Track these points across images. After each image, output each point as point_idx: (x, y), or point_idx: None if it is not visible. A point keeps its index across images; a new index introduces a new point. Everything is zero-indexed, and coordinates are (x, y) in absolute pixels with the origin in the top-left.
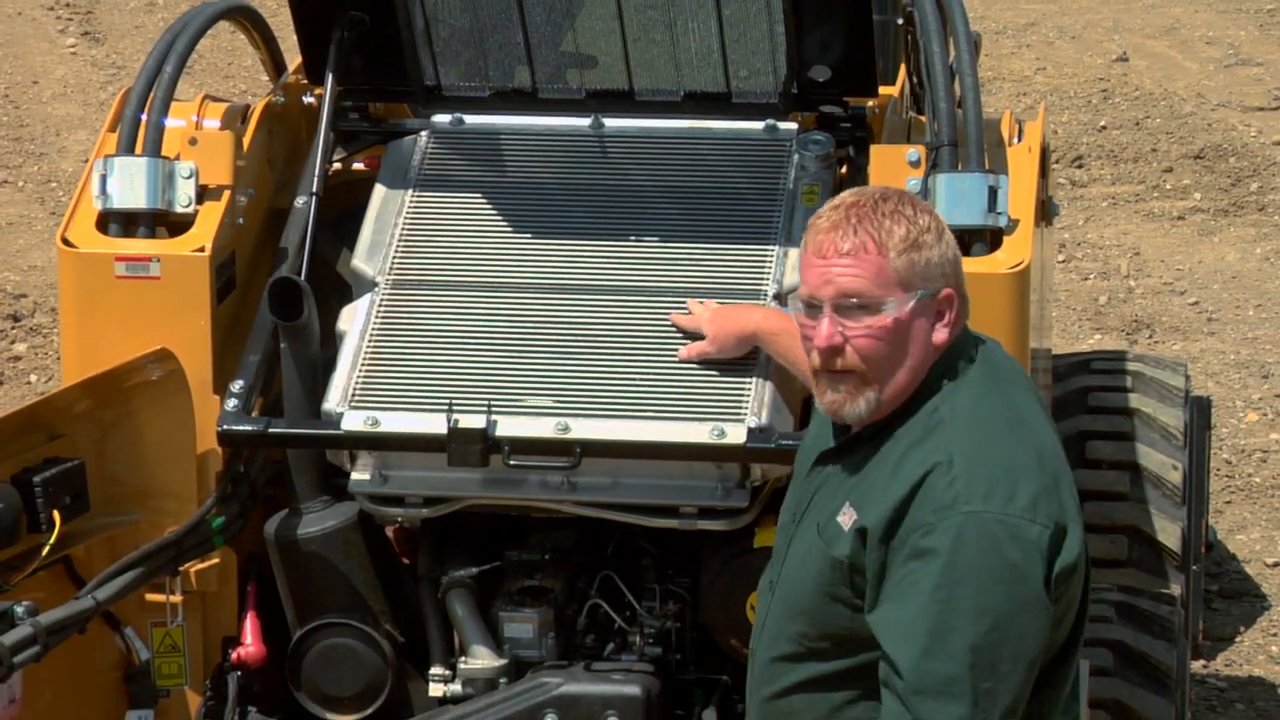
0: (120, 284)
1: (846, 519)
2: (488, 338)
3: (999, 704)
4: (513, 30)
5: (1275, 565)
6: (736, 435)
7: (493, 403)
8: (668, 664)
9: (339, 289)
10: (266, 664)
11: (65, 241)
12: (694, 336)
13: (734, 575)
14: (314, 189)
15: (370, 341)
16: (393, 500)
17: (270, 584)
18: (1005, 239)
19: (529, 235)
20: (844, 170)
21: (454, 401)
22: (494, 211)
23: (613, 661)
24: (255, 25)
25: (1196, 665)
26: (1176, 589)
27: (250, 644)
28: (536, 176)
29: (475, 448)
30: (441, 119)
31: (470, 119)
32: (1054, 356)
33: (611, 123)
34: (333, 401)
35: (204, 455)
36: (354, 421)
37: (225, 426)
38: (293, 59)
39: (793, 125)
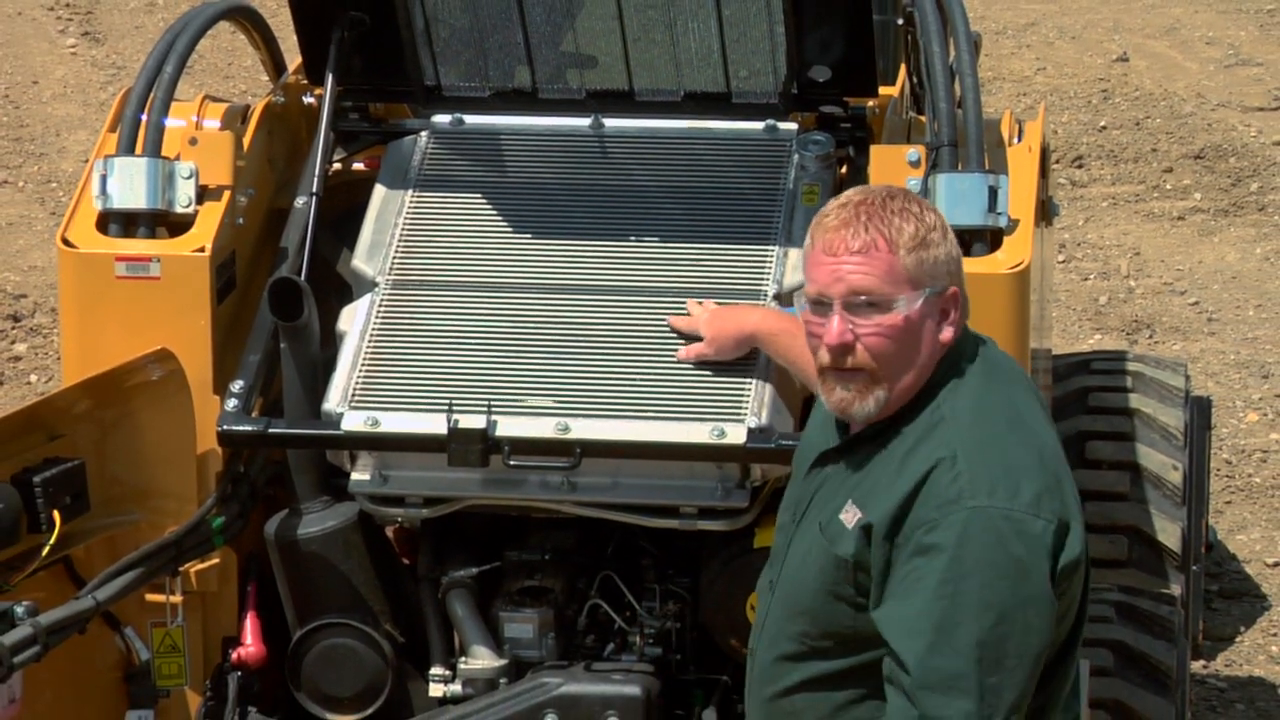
0: (120, 284)
1: (849, 517)
2: (488, 338)
3: (1005, 699)
4: (513, 30)
5: (1275, 565)
6: (736, 435)
7: (493, 403)
8: (668, 664)
9: (339, 289)
10: (266, 664)
11: (65, 241)
12: (692, 338)
13: (734, 575)
14: (314, 189)
15: (370, 341)
16: (393, 500)
17: (270, 584)
18: (1005, 239)
19: (529, 235)
20: (844, 170)
21: (454, 401)
22: (494, 211)
23: (613, 662)
24: (255, 25)
25: (1196, 665)
26: (1176, 589)
27: (250, 644)
28: (536, 176)
29: (475, 448)
30: (441, 119)
31: (470, 119)
32: (1054, 356)
33: (611, 123)
34: (333, 402)
35: (204, 455)
36: (354, 422)
37: (225, 426)
38: (293, 59)
39: (793, 125)
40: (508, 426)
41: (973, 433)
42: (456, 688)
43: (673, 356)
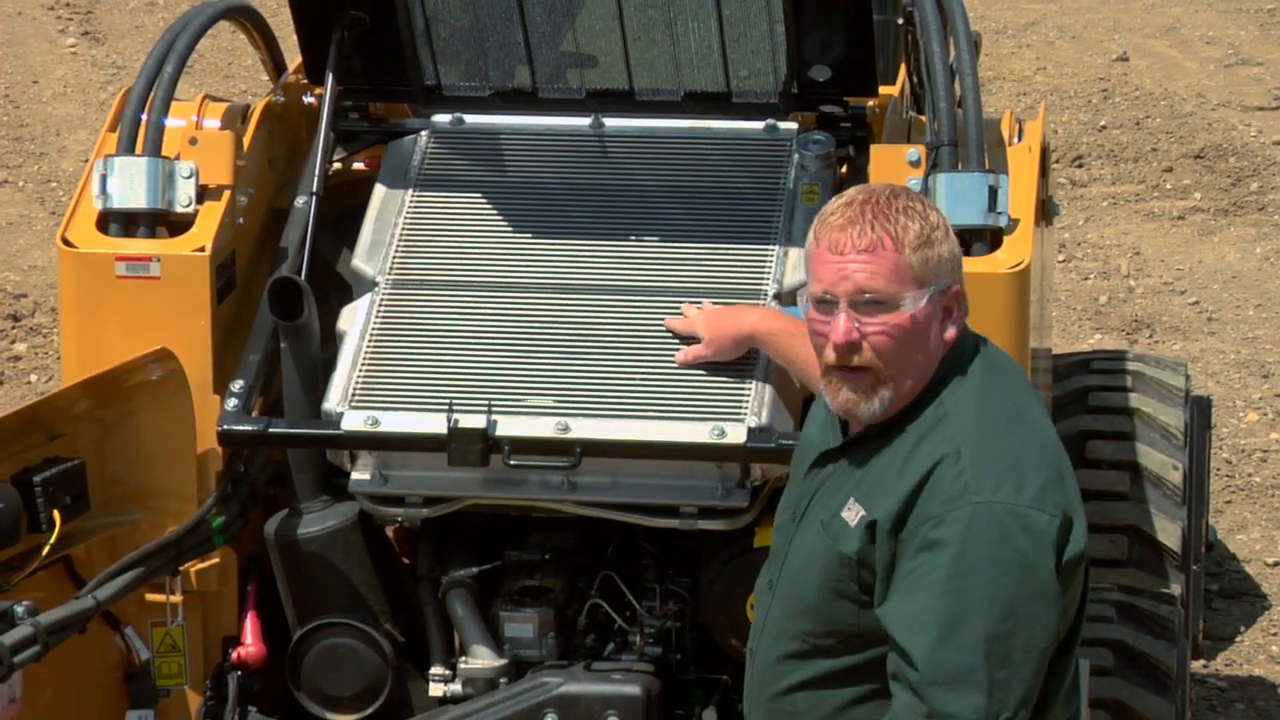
0: (120, 284)
1: (852, 514)
2: (488, 338)
3: (1013, 693)
4: (513, 30)
5: (1275, 565)
6: (737, 435)
7: (493, 403)
8: (668, 664)
9: (339, 289)
10: (266, 664)
11: (65, 241)
12: (689, 340)
13: (734, 575)
14: (314, 189)
15: (370, 341)
16: (393, 500)
17: (270, 584)
18: (1005, 239)
19: (529, 235)
20: (844, 170)
21: (454, 401)
22: (494, 211)
23: (613, 661)
24: (255, 25)
25: (1196, 665)
26: (1177, 589)
27: (250, 644)
28: (537, 176)
29: (475, 447)
30: (441, 119)
31: (470, 119)
32: (1054, 356)
33: (611, 122)
34: (333, 401)
35: (204, 455)
36: (354, 421)
37: (225, 426)
38: (293, 59)
39: (793, 125)
40: (508, 426)
41: (976, 429)
42: (456, 687)
43: (672, 356)
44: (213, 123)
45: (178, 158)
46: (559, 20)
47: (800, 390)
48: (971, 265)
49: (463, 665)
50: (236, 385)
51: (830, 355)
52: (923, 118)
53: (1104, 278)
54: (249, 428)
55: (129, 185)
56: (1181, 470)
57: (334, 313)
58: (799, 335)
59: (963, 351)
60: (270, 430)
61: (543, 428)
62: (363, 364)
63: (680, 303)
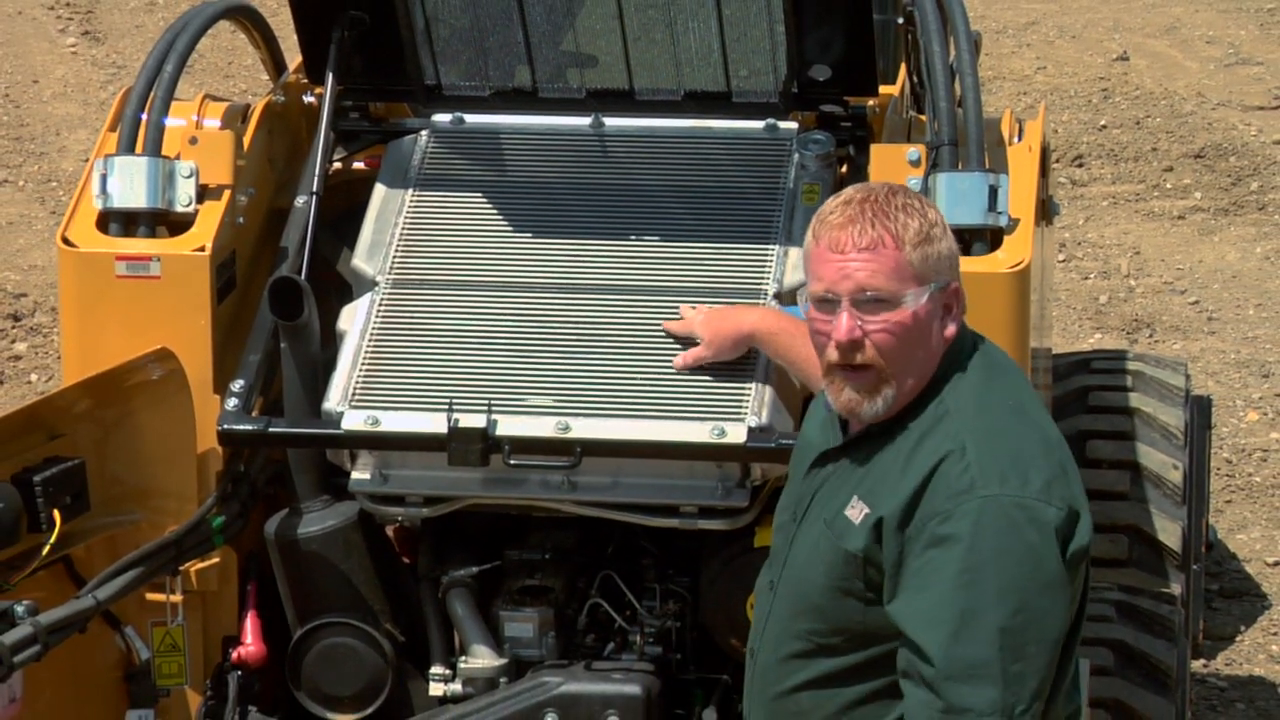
0: (120, 283)
1: (855, 513)
2: (488, 338)
3: (1027, 686)
4: (513, 30)
5: (1275, 565)
6: (737, 435)
7: (493, 402)
8: (668, 663)
9: (339, 289)
10: (267, 663)
11: (65, 241)
12: (687, 342)
13: (734, 575)
14: (314, 188)
15: (370, 341)
16: (393, 500)
17: (270, 584)
18: (1005, 238)
19: (529, 235)
20: (844, 169)
21: (454, 401)
22: (494, 211)
23: (613, 661)
24: (255, 25)
25: (1197, 665)
26: (1177, 588)
27: (250, 643)
28: (537, 176)
29: (475, 447)
30: (442, 118)
31: (470, 118)
32: (1054, 356)
33: (612, 122)
34: (333, 401)
35: (204, 455)
36: (354, 421)
37: (225, 426)
38: (293, 59)
39: (793, 125)
40: (508, 426)
41: (979, 424)
42: (456, 687)
43: (673, 356)
44: (213, 122)
45: (178, 157)
46: (559, 20)
47: (800, 390)
48: (972, 265)
49: (463, 665)
50: (236, 385)
51: (833, 354)
52: (923, 117)
53: (1104, 277)
54: (249, 427)
55: (129, 185)
56: (1182, 470)
57: (334, 313)
58: (799, 335)
59: (962, 349)
60: (270, 430)
61: (543, 427)
62: (363, 364)
63: (680, 302)
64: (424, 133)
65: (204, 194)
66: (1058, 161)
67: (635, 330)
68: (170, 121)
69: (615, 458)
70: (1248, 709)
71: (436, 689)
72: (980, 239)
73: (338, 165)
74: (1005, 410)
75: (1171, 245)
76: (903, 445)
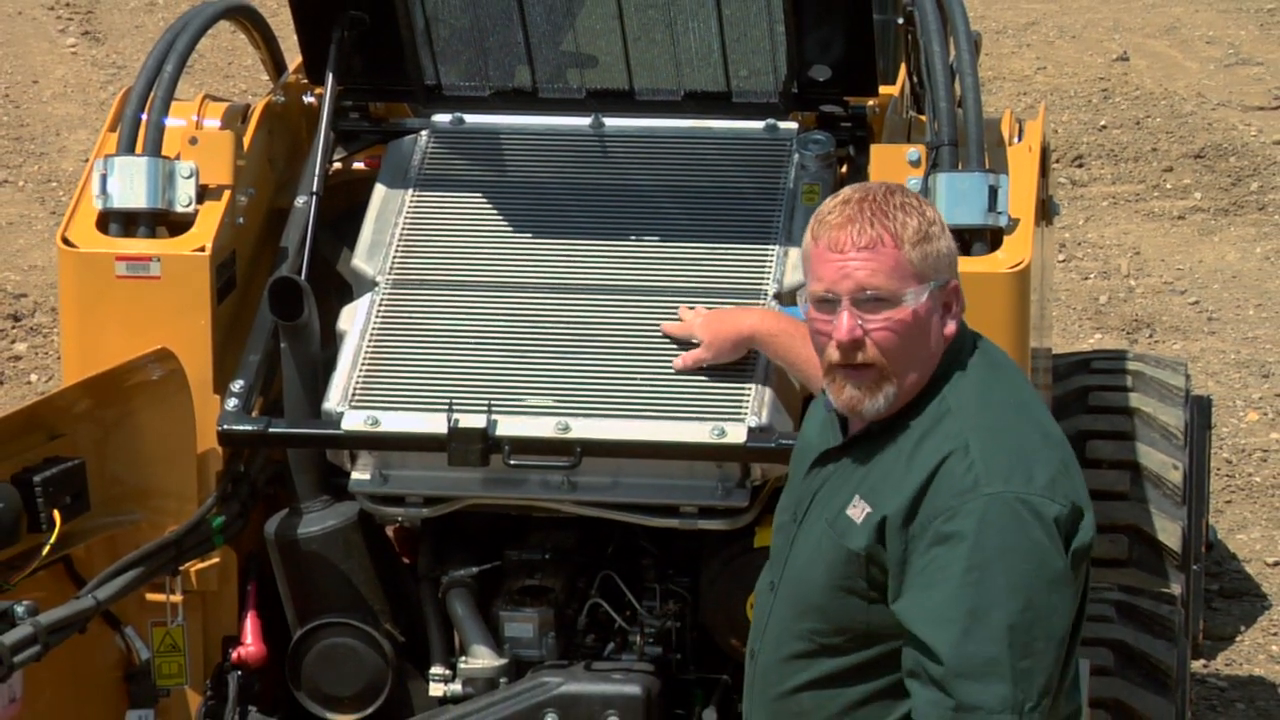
0: (120, 284)
1: (857, 512)
2: (488, 338)
3: (1036, 682)
4: (513, 30)
5: (1275, 565)
6: (737, 435)
7: (493, 402)
8: (668, 664)
9: (339, 289)
10: (267, 664)
11: (66, 241)
12: (686, 343)
13: (734, 575)
14: (314, 189)
15: (370, 341)
16: (393, 500)
17: (270, 584)
18: (1005, 238)
19: (529, 235)
20: (844, 170)
21: (454, 401)
22: (494, 211)
23: (613, 661)
24: (255, 25)
25: (1197, 665)
26: (1177, 588)
27: (250, 644)
28: (537, 176)
29: (475, 447)
30: (442, 119)
31: (470, 118)
32: (1054, 356)
33: (612, 122)
34: (333, 401)
35: (204, 455)
36: (354, 421)
37: (225, 426)
38: (293, 59)
39: (793, 125)
40: (508, 426)
41: (981, 421)
42: (456, 687)
43: (673, 356)
44: (213, 122)
45: (178, 157)
46: (559, 20)
47: (800, 391)
48: (971, 265)
49: (463, 665)
50: (236, 385)
51: (834, 354)
52: (923, 117)
53: (1104, 277)
54: (249, 428)
55: (129, 185)
56: (1182, 470)
57: (334, 313)
58: (798, 336)
59: (962, 347)
60: (270, 430)
61: (543, 428)
62: (363, 364)
63: (681, 303)
64: (424, 133)
65: (204, 194)
66: (1058, 161)
67: (635, 330)
68: (170, 122)
69: (615, 458)
70: (1248, 709)
71: (436, 689)
72: (980, 239)
73: (338, 165)
74: (1007, 408)
75: (1171, 245)
76: (904, 444)
